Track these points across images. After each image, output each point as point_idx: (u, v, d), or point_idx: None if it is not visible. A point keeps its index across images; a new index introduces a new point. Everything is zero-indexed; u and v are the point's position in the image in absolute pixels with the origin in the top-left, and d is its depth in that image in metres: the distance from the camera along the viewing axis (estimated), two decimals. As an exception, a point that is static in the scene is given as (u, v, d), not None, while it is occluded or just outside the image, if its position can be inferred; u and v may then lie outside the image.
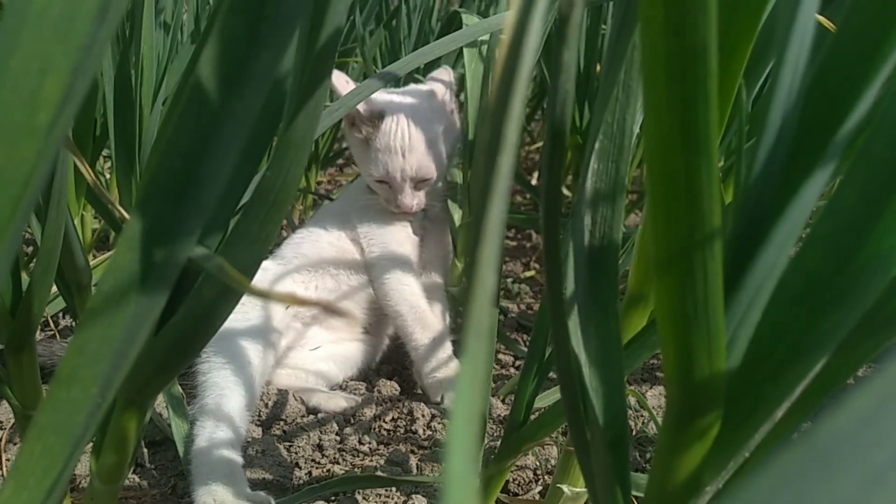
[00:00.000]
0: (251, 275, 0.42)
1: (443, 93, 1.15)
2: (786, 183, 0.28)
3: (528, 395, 0.52)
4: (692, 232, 0.27)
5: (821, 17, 0.36)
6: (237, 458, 0.78)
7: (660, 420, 0.81)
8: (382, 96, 1.11)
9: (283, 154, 0.38)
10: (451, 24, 1.50)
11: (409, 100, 1.11)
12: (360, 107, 1.05)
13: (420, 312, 1.06)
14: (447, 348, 1.05)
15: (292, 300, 0.23)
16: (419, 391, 1.06)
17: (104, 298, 0.33)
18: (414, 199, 1.09)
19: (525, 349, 1.16)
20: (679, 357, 0.31)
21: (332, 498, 0.76)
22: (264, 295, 0.26)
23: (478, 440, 0.17)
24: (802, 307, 0.31)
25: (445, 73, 1.21)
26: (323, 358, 1.07)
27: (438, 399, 1.02)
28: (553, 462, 0.82)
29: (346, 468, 0.86)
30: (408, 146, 1.07)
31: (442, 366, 1.03)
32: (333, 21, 0.35)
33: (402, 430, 0.94)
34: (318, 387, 1.03)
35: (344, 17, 0.36)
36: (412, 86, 1.21)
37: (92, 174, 0.40)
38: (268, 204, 0.40)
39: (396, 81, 1.13)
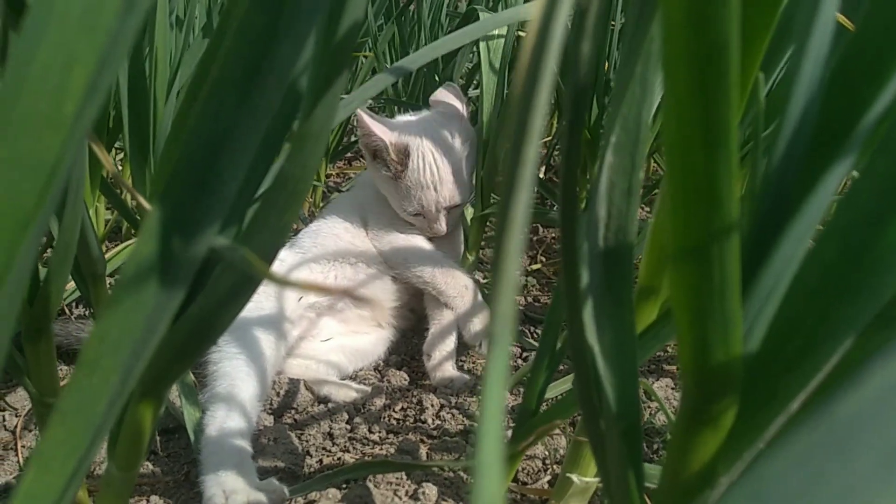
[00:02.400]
0: (269, 264, 0.42)
1: (460, 111, 1.17)
2: (805, 175, 0.28)
3: (540, 384, 0.52)
4: (710, 224, 0.27)
5: (840, 17, 0.36)
6: (247, 447, 0.79)
7: (669, 410, 0.81)
8: (405, 128, 1.12)
9: (301, 145, 0.39)
10: (467, 21, 1.50)
11: (430, 129, 1.12)
12: (387, 140, 1.07)
13: (445, 269, 1.11)
14: (478, 298, 1.12)
15: (316, 288, 0.23)
16: (428, 381, 1.07)
17: (125, 288, 0.33)
18: (446, 224, 1.14)
19: (532, 341, 1.17)
20: (695, 348, 0.31)
21: (344, 486, 0.77)
22: (288, 283, 0.27)
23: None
24: (818, 299, 0.31)
25: (452, 90, 1.21)
26: (334, 349, 1.08)
27: (478, 346, 1.10)
28: (562, 452, 0.82)
29: (357, 457, 0.86)
30: (438, 179, 1.08)
31: (478, 316, 1.10)
32: (352, 14, 0.35)
33: (411, 420, 0.95)
34: (328, 377, 1.04)
35: (363, 11, 0.36)
36: (428, 113, 1.20)
37: (112, 166, 0.40)
38: (286, 194, 0.40)
39: (407, 77, 1.14)
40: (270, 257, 0.43)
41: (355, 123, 1.23)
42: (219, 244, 0.33)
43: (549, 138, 1.85)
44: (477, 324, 1.09)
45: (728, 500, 0.19)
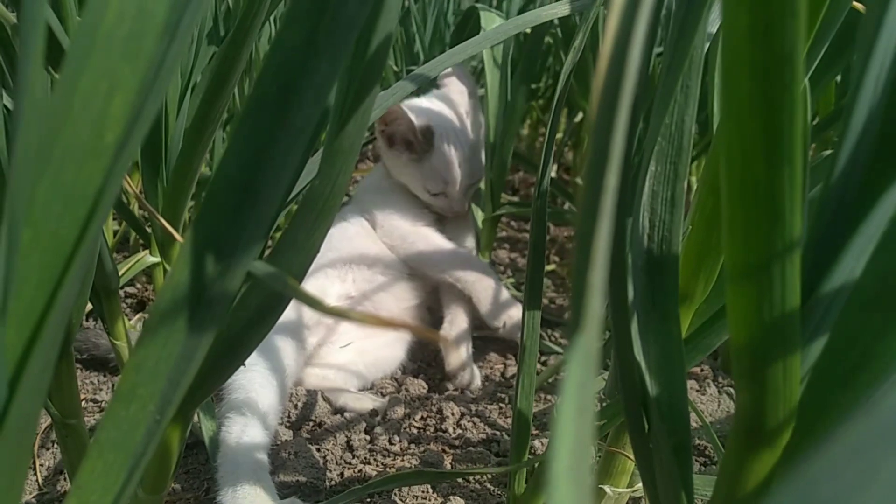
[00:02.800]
0: (299, 283, 0.42)
1: (470, 91, 1.19)
2: (867, 188, 0.27)
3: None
4: (772, 241, 0.26)
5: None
6: (265, 461, 0.77)
7: (708, 422, 0.80)
8: (425, 112, 1.15)
9: (332, 162, 0.38)
10: (468, 20, 1.49)
11: (447, 109, 1.17)
12: (417, 123, 1.10)
13: (478, 272, 1.11)
14: (504, 293, 1.13)
15: (367, 318, 0.22)
16: (447, 389, 1.06)
17: (162, 316, 0.32)
18: (465, 203, 1.18)
19: (549, 344, 1.15)
20: (753, 365, 0.30)
21: (368, 499, 0.76)
22: (322, 307, 0.26)
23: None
24: (875, 312, 0.30)
25: (461, 71, 1.23)
26: (353, 357, 1.07)
27: (514, 338, 1.12)
28: (589, 462, 0.81)
29: (378, 468, 0.85)
30: (462, 157, 1.13)
31: (509, 310, 1.11)
32: (385, 27, 0.34)
33: (431, 429, 0.94)
34: (347, 387, 1.03)
35: (395, 23, 0.35)
36: (440, 91, 1.24)
37: (134, 187, 0.39)
38: (316, 212, 0.39)
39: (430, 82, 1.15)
40: (300, 276, 0.42)
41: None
42: (256, 268, 0.32)
43: (560, 135, 1.84)
44: (513, 316, 1.10)
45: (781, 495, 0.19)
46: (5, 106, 0.54)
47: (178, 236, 0.40)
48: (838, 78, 0.93)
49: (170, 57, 0.24)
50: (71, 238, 0.25)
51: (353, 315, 0.24)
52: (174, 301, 0.32)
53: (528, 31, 1.24)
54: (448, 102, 1.20)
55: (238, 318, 0.41)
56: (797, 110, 0.24)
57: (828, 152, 0.52)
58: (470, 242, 1.28)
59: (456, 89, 1.22)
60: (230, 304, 0.34)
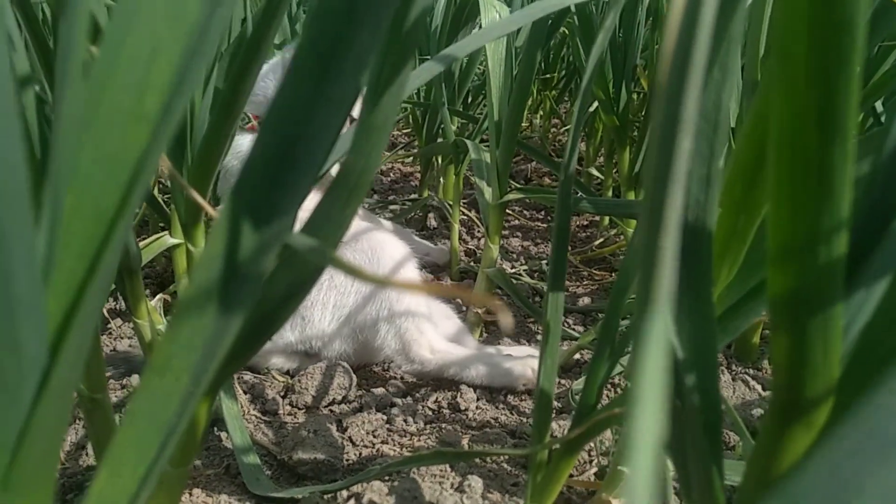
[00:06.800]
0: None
1: None
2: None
3: (601, 377, 0.51)
4: (819, 219, 0.26)
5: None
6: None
7: (731, 403, 0.80)
8: None
9: (366, 137, 0.37)
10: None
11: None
12: None
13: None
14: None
15: (409, 286, 0.22)
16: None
17: (197, 289, 0.32)
18: None
19: (570, 331, 1.15)
20: (792, 346, 0.30)
21: (387, 478, 0.76)
22: (378, 281, 0.25)
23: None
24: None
25: None
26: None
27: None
28: (607, 444, 0.81)
29: (396, 449, 0.86)
30: None
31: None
32: (422, 1, 0.34)
33: (449, 411, 0.94)
34: None
35: (432, -5, 0.34)
36: None
37: (169, 165, 0.39)
38: (349, 187, 0.39)
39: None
40: (333, 250, 0.42)
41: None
42: (294, 240, 0.32)
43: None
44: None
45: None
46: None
47: (211, 210, 0.40)
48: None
49: (214, 23, 0.24)
50: (112, 205, 0.25)
51: (395, 283, 0.24)
52: (209, 274, 0.32)
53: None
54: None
55: (271, 292, 0.41)
56: (853, 80, 0.23)
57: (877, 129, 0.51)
58: None
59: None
60: (265, 278, 0.34)
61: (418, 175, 1.98)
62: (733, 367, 1.07)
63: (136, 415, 0.33)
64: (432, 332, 1.03)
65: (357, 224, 1.10)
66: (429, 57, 1.26)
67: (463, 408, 0.94)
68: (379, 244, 1.05)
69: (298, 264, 0.40)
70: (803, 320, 0.29)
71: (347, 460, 0.83)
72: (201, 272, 0.32)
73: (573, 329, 1.18)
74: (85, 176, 0.24)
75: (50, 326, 0.24)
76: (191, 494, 0.76)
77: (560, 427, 0.85)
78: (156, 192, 1.24)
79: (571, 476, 0.78)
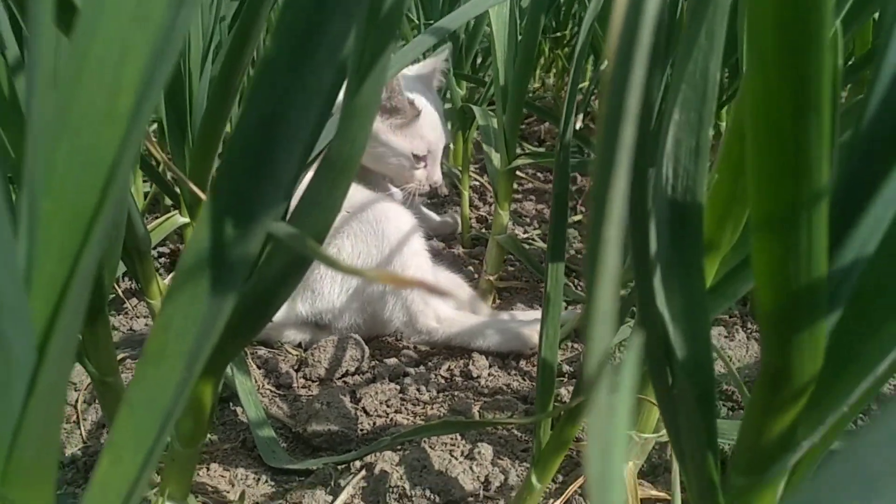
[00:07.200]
0: (321, 242, 0.42)
1: (432, 67, 1.27)
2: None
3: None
4: (798, 191, 0.26)
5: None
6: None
7: (736, 367, 0.80)
8: (409, 78, 1.24)
9: (350, 121, 0.37)
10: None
11: (419, 84, 1.25)
12: (402, 92, 1.14)
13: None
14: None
15: (390, 279, 0.22)
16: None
17: (186, 276, 0.33)
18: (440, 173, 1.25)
19: (577, 292, 1.15)
20: (778, 315, 0.30)
21: (399, 448, 0.78)
22: (350, 271, 0.26)
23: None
24: (906, 259, 0.30)
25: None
26: None
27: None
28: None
29: (409, 418, 0.87)
30: (438, 121, 1.21)
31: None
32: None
33: (461, 379, 0.95)
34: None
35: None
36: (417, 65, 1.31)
37: (161, 153, 0.39)
38: (336, 170, 0.39)
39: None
40: (322, 235, 0.42)
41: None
42: (275, 228, 0.32)
43: (586, 83, 1.80)
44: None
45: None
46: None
47: (204, 197, 0.40)
48: (876, 15, 0.89)
49: (180, 21, 0.24)
50: (90, 205, 0.25)
51: (367, 274, 0.24)
52: (197, 261, 0.33)
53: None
54: (419, 78, 1.27)
55: (265, 276, 0.41)
56: (825, 57, 0.23)
57: (862, 96, 0.50)
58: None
59: (429, 63, 1.29)
60: (253, 264, 0.35)
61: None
62: (748, 325, 1.06)
63: (134, 404, 0.34)
64: (437, 302, 1.04)
65: (363, 194, 1.10)
66: (432, 22, 1.25)
67: (475, 375, 0.95)
68: (384, 214, 1.05)
69: (289, 247, 0.41)
70: (789, 293, 0.29)
71: (361, 430, 0.85)
72: (189, 260, 0.33)
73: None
74: (61, 178, 0.24)
75: (36, 327, 0.25)
76: (208, 469, 0.78)
77: (569, 392, 0.86)
78: (165, 172, 1.25)
79: (578, 440, 0.79)
